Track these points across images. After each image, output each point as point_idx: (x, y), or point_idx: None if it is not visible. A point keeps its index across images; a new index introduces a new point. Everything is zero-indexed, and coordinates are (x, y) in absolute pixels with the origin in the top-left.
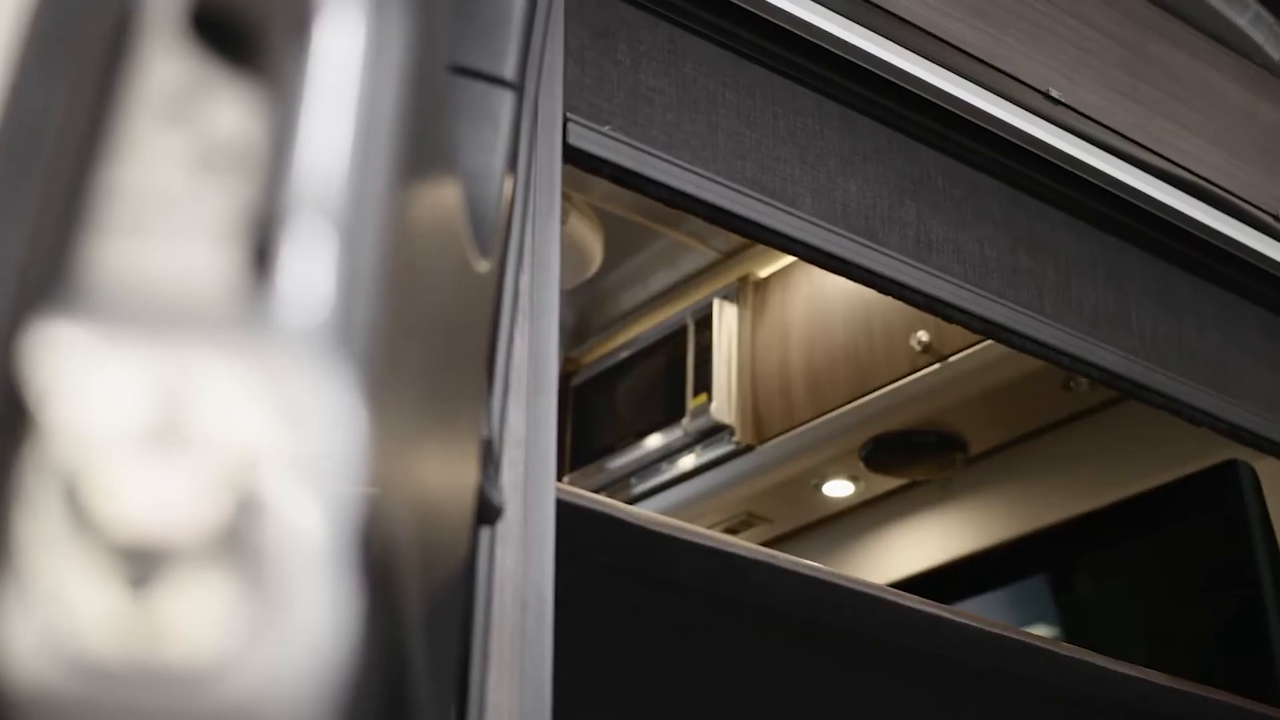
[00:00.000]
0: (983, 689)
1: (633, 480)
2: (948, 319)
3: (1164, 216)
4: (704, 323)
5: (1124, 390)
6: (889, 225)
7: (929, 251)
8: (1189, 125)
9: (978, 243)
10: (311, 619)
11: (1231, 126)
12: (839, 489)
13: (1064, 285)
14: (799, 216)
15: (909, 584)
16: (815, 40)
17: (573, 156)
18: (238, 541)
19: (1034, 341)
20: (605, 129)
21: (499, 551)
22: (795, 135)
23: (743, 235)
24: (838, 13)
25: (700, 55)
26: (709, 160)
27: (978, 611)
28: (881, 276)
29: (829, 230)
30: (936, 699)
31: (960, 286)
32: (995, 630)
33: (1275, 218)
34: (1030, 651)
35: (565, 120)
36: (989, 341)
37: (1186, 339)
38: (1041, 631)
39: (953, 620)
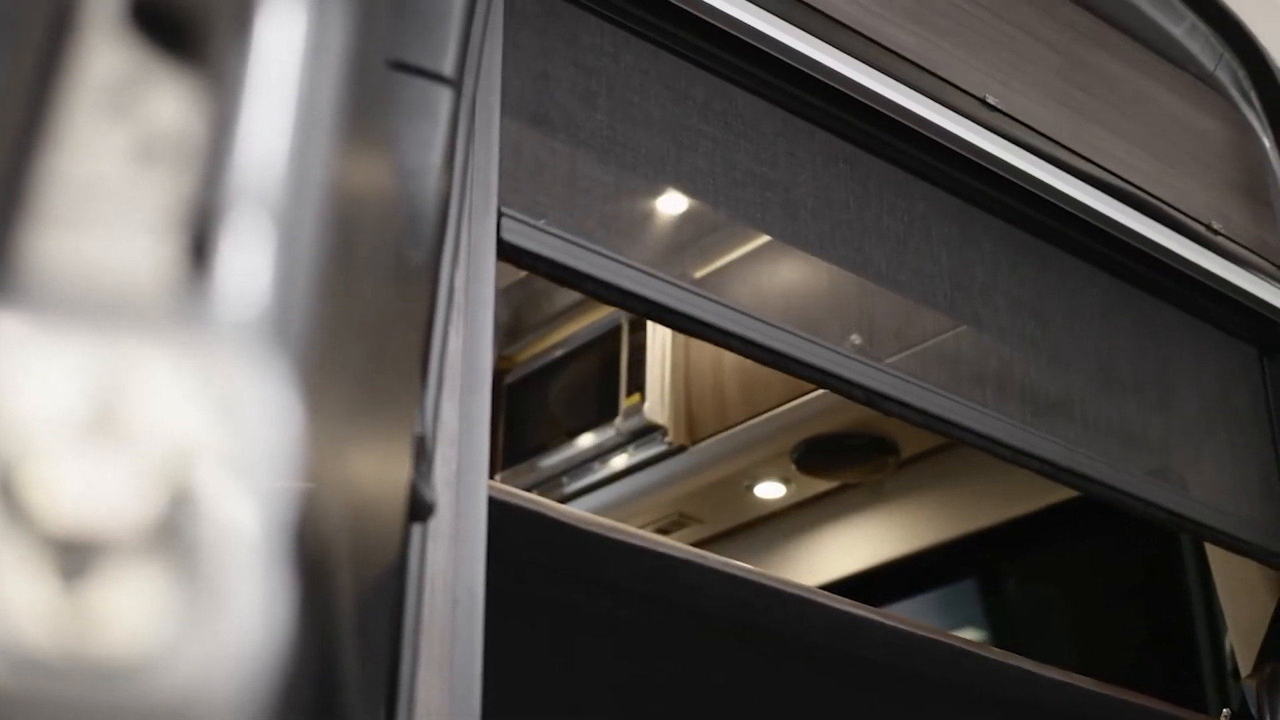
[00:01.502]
0: (911, 691)
1: (565, 479)
2: (888, 413)
3: (1098, 224)
4: (638, 323)
5: (1066, 483)
6: (830, 317)
7: (870, 341)
8: (1124, 134)
9: (920, 331)
10: (245, 614)
11: (1166, 136)
12: (770, 491)
13: (1006, 372)
14: (739, 311)
15: (840, 586)
16: (750, 40)
17: (507, 252)
18: (172, 536)
19: (975, 434)
20: (541, 223)
21: (430, 549)
22: (736, 224)
23: (681, 331)
24: (773, 13)
25: (640, 143)
26: (646, 252)
27: (908, 614)
28: (822, 371)
29: (768, 325)
30: (866, 700)
31: (901, 379)
32: (924, 633)
33: (1208, 227)
34: (959, 655)
35: (500, 215)
36: (922, 345)
37: (1128, 421)
38: (971, 635)
39: (882, 623)
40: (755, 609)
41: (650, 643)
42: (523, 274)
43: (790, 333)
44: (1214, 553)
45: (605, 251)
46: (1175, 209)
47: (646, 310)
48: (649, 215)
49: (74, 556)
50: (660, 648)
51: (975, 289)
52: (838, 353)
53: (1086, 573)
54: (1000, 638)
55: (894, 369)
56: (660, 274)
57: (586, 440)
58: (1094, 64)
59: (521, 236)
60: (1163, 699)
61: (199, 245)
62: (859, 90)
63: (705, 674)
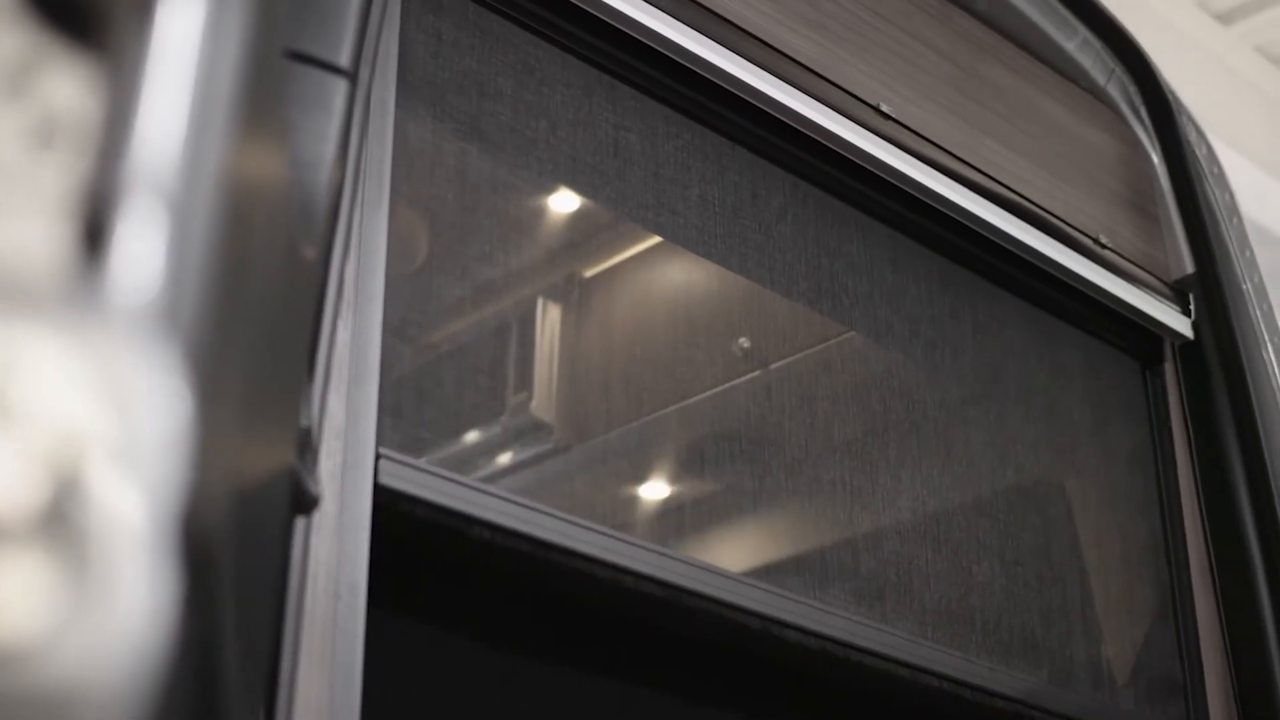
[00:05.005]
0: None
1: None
2: (783, 639)
3: (987, 235)
4: (527, 320)
5: (966, 699)
6: (724, 540)
7: (767, 565)
8: (1015, 146)
9: (818, 550)
10: (129, 603)
11: (1057, 149)
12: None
13: (905, 583)
14: (633, 544)
15: None
16: (647, 41)
17: (384, 498)
18: (58, 523)
19: (873, 654)
20: (421, 463)
21: (313, 541)
22: (629, 450)
23: (572, 569)
24: (669, 14)
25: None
26: (535, 491)
27: None
28: (716, 601)
29: (664, 555)
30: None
31: (798, 602)
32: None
33: (1096, 241)
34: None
35: (377, 457)
36: (811, 350)
37: (1030, 629)
38: None
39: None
40: (650, 607)
41: (535, 637)
42: (414, 267)
43: (685, 562)
44: (1095, 560)
45: (497, 491)
46: (1064, 222)
47: (533, 550)
48: (541, 212)
49: None
50: (545, 643)
51: (863, 295)
52: (733, 579)
53: None
54: None
55: (790, 594)
56: (550, 509)
57: (472, 436)
58: (987, 76)
59: (401, 480)
60: None
61: (93, 231)
62: (753, 94)
63: (592, 671)
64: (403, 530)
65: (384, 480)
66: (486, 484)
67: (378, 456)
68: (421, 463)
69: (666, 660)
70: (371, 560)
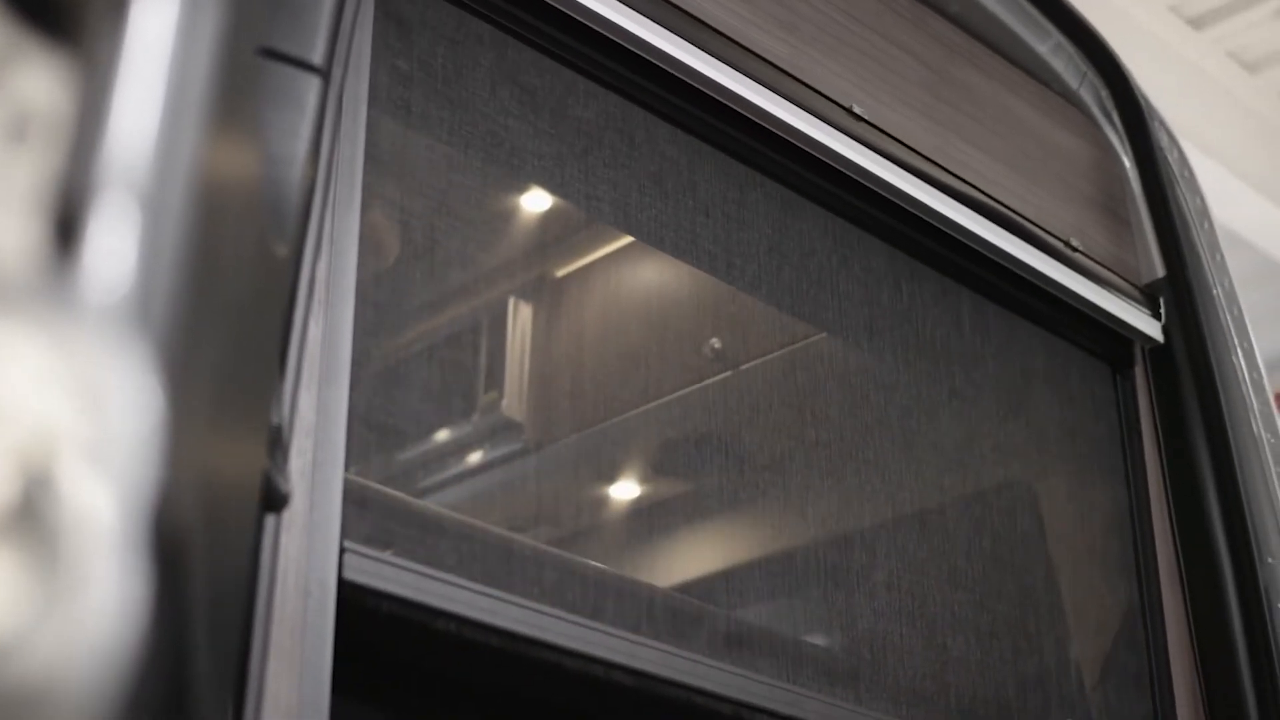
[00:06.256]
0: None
1: (420, 474)
2: None
3: (959, 237)
4: (498, 320)
5: None
6: (696, 622)
7: (739, 647)
8: (987, 148)
9: (791, 628)
10: (99, 600)
11: (1028, 152)
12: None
13: (880, 664)
14: (602, 631)
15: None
16: (618, 39)
17: (348, 593)
18: (29, 520)
19: None
20: (387, 555)
21: (283, 539)
22: (597, 533)
23: (544, 664)
24: (643, 14)
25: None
26: (504, 578)
27: None
28: (687, 687)
29: (634, 642)
30: None
31: (771, 685)
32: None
33: (1067, 244)
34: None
35: (342, 551)
36: (782, 351)
37: (1005, 701)
38: None
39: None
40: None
41: (504, 637)
42: (386, 266)
43: (655, 648)
44: (1061, 562)
45: (463, 582)
46: (1035, 225)
47: (502, 643)
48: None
49: None
50: (514, 641)
51: (834, 296)
52: (703, 664)
53: None
54: None
55: (764, 678)
56: (522, 599)
57: (442, 435)
58: (960, 78)
59: (366, 574)
60: None
61: (66, 226)
62: (724, 93)
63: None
64: (368, 624)
65: (348, 575)
66: (452, 575)
67: (342, 550)
68: (387, 555)
69: None
70: (336, 656)
